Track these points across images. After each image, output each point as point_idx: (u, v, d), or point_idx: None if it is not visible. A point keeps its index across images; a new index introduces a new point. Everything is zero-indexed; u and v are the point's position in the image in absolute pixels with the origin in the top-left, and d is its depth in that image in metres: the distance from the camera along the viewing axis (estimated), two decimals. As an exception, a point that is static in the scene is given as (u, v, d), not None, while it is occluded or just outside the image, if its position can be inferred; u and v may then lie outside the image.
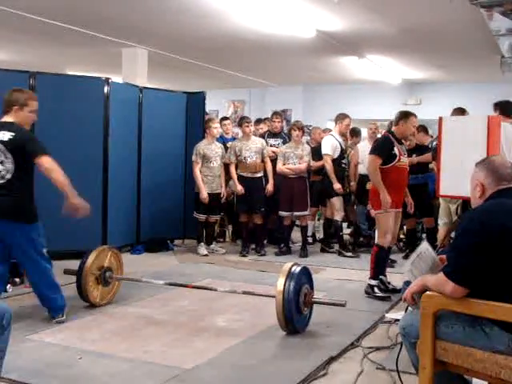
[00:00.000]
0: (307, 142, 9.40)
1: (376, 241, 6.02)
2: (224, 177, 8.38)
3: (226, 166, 8.47)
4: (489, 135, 5.32)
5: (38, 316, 5.01)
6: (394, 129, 6.13)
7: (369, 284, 6.01)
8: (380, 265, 5.98)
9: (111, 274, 5.43)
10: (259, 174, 8.27)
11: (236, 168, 8.27)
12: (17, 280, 6.00)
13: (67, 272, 5.49)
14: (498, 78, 11.33)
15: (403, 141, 6.31)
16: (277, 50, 10.30)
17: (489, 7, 6.43)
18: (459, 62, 11.02)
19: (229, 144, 8.81)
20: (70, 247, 7.22)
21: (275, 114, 9.21)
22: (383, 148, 5.92)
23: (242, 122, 8.51)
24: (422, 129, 8.72)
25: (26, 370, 3.76)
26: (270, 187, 8.20)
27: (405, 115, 6.09)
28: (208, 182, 8.11)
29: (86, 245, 6.17)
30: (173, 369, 3.86)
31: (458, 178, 5.24)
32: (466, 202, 5.92)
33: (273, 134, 8.96)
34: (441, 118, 5.74)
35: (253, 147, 8.20)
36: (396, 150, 5.88)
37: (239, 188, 8.22)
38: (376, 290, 5.93)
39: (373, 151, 5.97)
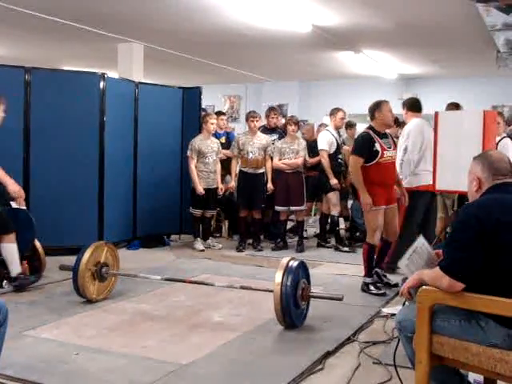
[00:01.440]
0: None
1: (366, 239, 5.98)
2: (221, 172, 8.37)
3: (224, 161, 8.46)
4: (484, 130, 5.33)
5: (35, 312, 5.02)
6: (372, 124, 5.94)
7: (364, 282, 6.02)
8: (372, 262, 5.98)
9: (107, 270, 5.42)
10: (261, 170, 8.24)
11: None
12: (13, 276, 5.99)
13: (63, 268, 5.48)
14: (494, 72, 11.37)
15: (388, 131, 6.13)
16: (273, 45, 10.30)
17: (485, 2, 6.43)
18: (455, 57, 11.04)
19: (222, 139, 8.83)
20: (66, 243, 7.24)
21: (272, 110, 9.14)
22: (363, 147, 5.78)
23: (248, 116, 8.41)
24: None
25: (23, 366, 3.75)
26: (269, 185, 8.18)
27: (377, 105, 5.93)
28: (203, 177, 8.11)
29: (82, 240, 6.18)
30: (170, 364, 3.86)
31: (454, 172, 5.26)
32: (461, 197, 5.93)
33: (268, 130, 8.92)
34: (437, 113, 5.75)
35: (257, 143, 8.18)
36: (378, 146, 5.74)
37: (231, 185, 8.28)
38: (371, 287, 5.92)
39: (353, 151, 5.86)
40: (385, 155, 5.77)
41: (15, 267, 5.61)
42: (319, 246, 8.65)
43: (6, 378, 3.53)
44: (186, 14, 8.24)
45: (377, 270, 6.12)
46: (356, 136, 6.75)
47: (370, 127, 5.93)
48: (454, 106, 7.12)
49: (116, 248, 5.78)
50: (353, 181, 5.91)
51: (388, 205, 5.90)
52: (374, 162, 5.74)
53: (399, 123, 8.15)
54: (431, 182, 5.92)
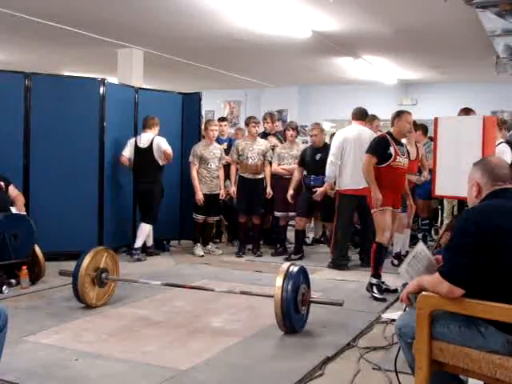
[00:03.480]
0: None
1: (376, 239, 6.04)
2: (223, 178, 8.36)
3: (224, 167, 8.45)
4: (484, 135, 5.34)
5: (35, 317, 5.01)
6: (391, 130, 6.21)
7: (369, 281, 6.04)
8: (380, 262, 6.02)
9: (107, 275, 5.42)
10: (260, 176, 8.22)
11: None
12: (13, 281, 5.99)
13: (63, 273, 5.48)
14: (493, 78, 11.37)
15: (405, 141, 6.45)
16: (272, 51, 10.31)
17: (484, 7, 6.44)
18: (454, 63, 11.05)
19: (224, 145, 8.82)
20: (66, 248, 7.24)
21: (265, 116, 9.13)
22: (377, 147, 6.00)
23: (248, 121, 8.38)
24: (421, 128, 8.77)
25: (22, 372, 3.75)
26: (269, 190, 8.17)
27: (398, 114, 6.19)
28: (206, 182, 8.11)
29: (81, 246, 6.17)
30: (169, 370, 3.86)
31: (454, 178, 5.27)
32: (461, 202, 5.96)
33: (266, 135, 8.92)
34: (436, 119, 5.76)
35: (256, 148, 8.17)
36: (392, 150, 5.93)
37: (232, 190, 8.26)
38: (375, 289, 5.94)
39: (367, 150, 6.06)
40: (397, 160, 5.97)
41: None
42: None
43: (5, 384, 3.54)
44: (185, 19, 8.26)
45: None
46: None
47: (388, 132, 6.18)
48: (467, 112, 6.98)
49: (116, 253, 5.79)
50: (364, 178, 6.02)
51: (394, 207, 6.03)
52: (387, 164, 5.92)
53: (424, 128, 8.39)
54: (358, 187, 6.76)
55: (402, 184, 6.18)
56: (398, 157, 5.95)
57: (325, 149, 7.78)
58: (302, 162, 7.93)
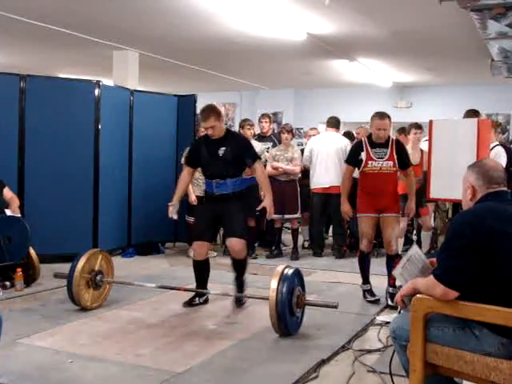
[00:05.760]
0: None
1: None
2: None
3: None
4: (479, 138, 5.36)
5: (29, 320, 5.00)
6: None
7: (361, 288, 6.05)
8: (364, 268, 5.98)
9: (102, 278, 5.41)
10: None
11: None
12: (7, 283, 5.98)
13: (58, 275, 5.48)
14: (488, 81, 11.41)
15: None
16: (268, 53, 10.32)
17: (478, 11, 6.46)
18: (449, 65, 11.08)
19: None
20: (60, 250, 7.23)
21: (263, 115, 9.14)
22: (350, 155, 6.04)
23: (243, 124, 8.38)
24: (402, 131, 8.83)
25: (17, 374, 3.74)
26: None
27: (371, 118, 5.85)
28: (198, 184, 8.08)
29: (76, 248, 6.17)
30: (164, 372, 3.86)
31: (449, 180, 5.28)
32: (456, 205, 5.96)
33: (262, 137, 8.91)
34: (431, 122, 5.77)
35: None
36: (363, 155, 5.74)
37: None
38: (367, 294, 5.94)
39: (345, 159, 6.19)
40: (369, 165, 5.74)
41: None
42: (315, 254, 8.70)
43: (0, 387, 3.53)
44: (181, 21, 8.26)
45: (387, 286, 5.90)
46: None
47: (368, 135, 6.03)
48: (473, 113, 6.83)
49: (110, 256, 5.78)
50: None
51: (380, 214, 5.79)
52: (360, 170, 5.85)
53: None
54: (323, 186, 8.15)
55: (382, 188, 5.77)
56: (369, 161, 5.72)
57: (227, 139, 5.58)
58: (192, 160, 5.96)
